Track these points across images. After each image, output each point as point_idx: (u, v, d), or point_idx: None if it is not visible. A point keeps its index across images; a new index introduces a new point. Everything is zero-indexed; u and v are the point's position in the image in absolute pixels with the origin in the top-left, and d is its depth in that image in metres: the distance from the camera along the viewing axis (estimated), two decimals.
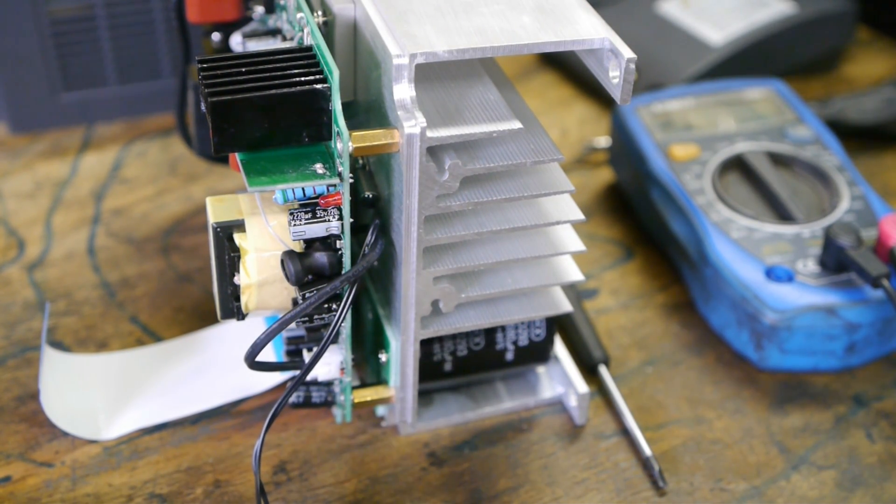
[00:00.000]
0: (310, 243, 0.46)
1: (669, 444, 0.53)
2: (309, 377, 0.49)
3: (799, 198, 0.61)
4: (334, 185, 0.44)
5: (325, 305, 0.46)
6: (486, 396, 0.54)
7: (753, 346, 0.56)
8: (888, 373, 0.57)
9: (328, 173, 0.44)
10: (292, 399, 0.50)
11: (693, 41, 0.76)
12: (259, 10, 0.55)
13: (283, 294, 0.47)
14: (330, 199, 0.44)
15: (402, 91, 0.43)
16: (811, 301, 0.55)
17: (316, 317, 0.46)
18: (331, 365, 0.49)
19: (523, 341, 0.53)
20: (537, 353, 0.53)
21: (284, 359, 0.50)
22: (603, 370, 0.56)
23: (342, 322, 0.46)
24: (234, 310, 0.48)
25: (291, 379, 0.51)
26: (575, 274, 0.50)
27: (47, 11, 0.69)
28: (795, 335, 0.55)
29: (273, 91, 0.43)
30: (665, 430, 0.54)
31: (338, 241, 0.46)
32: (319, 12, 0.47)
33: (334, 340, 0.48)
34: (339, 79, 0.43)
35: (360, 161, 0.49)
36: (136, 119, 0.74)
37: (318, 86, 0.43)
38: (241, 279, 0.47)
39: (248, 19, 0.55)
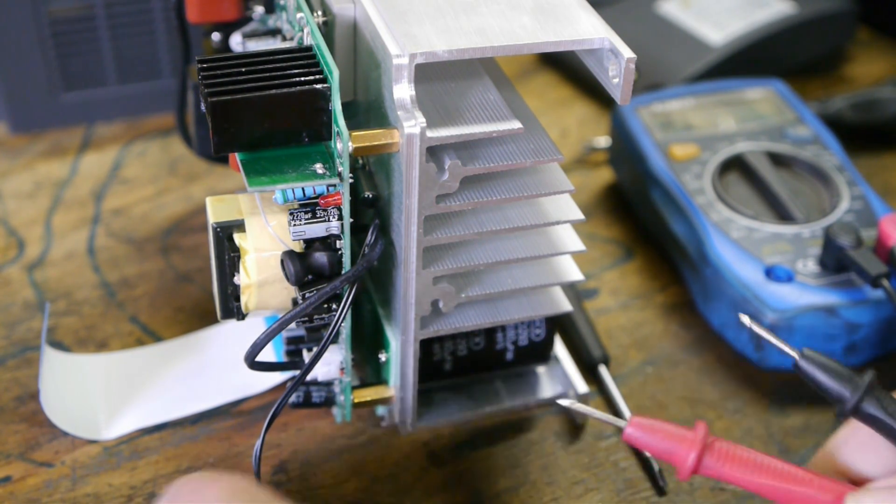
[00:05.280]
0: (310, 243, 0.46)
1: None
2: (309, 377, 0.49)
3: (799, 198, 0.61)
4: (334, 185, 0.44)
5: (325, 305, 0.46)
6: (486, 396, 0.54)
7: (753, 346, 0.56)
8: (888, 373, 0.57)
9: (328, 173, 0.44)
10: (292, 399, 0.50)
11: (693, 41, 0.76)
12: (259, 10, 0.55)
13: (283, 294, 0.47)
14: (330, 199, 0.44)
15: (402, 91, 0.43)
16: (811, 301, 0.55)
17: (316, 317, 0.46)
18: (331, 365, 0.49)
19: (523, 341, 0.53)
20: (537, 353, 0.53)
21: (284, 359, 0.50)
22: (603, 370, 0.56)
23: (342, 322, 0.46)
24: (234, 310, 0.48)
25: (291, 379, 0.51)
26: (575, 274, 0.50)
27: (47, 11, 0.69)
28: (795, 335, 0.55)
29: (273, 91, 0.43)
30: None
31: (338, 241, 0.46)
32: (319, 12, 0.47)
33: (334, 340, 0.48)
34: (339, 79, 0.43)
35: (360, 161, 0.49)
36: (136, 119, 0.74)
37: (318, 86, 0.43)
38: (241, 279, 0.47)
39: (248, 19, 0.55)
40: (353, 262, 0.46)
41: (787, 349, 0.43)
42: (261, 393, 0.55)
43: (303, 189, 0.44)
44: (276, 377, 0.55)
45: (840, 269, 0.56)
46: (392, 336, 0.49)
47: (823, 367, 0.43)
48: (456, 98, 0.46)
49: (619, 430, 0.43)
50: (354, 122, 0.49)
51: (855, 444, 0.43)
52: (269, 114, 0.43)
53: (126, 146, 0.72)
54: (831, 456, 0.44)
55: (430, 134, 0.43)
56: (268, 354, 0.54)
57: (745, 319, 0.44)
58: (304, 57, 0.45)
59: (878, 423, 0.42)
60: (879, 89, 0.73)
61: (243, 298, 0.47)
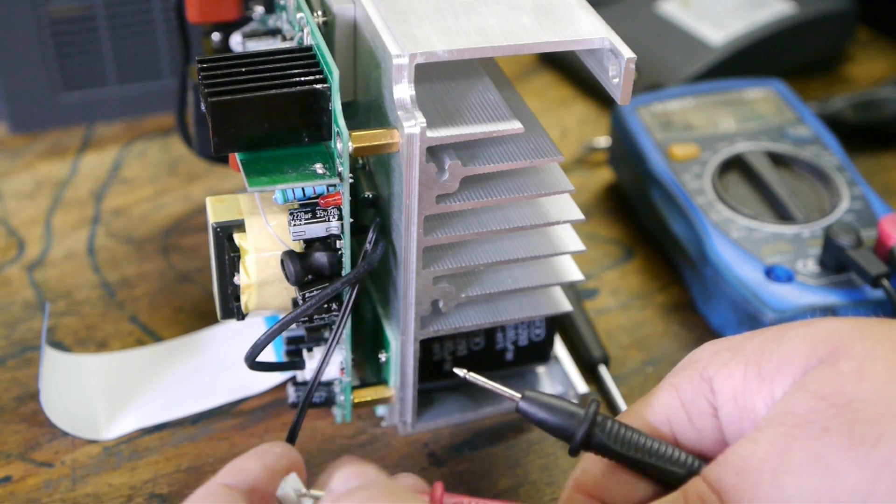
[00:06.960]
0: (310, 243, 0.46)
1: None
2: (308, 377, 0.49)
3: (799, 198, 0.61)
4: (334, 185, 0.44)
5: (326, 306, 0.46)
6: (486, 396, 0.54)
7: None
8: None
9: (328, 173, 0.44)
10: (292, 399, 0.50)
11: (693, 41, 0.76)
12: (259, 10, 0.55)
13: (283, 294, 0.47)
14: (330, 199, 0.44)
15: (402, 91, 0.43)
16: (811, 301, 0.55)
17: (316, 317, 0.46)
18: (331, 365, 0.49)
19: (523, 341, 0.53)
20: (537, 353, 0.53)
21: (284, 359, 0.50)
22: (603, 370, 0.56)
23: (345, 324, 0.46)
24: (234, 310, 0.48)
25: (291, 379, 0.51)
26: (575, 274, 0.50)
27: (47, 11, 0.69)
28: None
29: (273, 91, 0.43)
30: None
31: (338, 241, 0.46)
32: (319, 12, 0.47)
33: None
34: (339, 79, 0.43)
35: (360, 161, 0.49)
36: (136, 119, 0.74)
37: (318, 86, 0.43)
38: (241, 279, 0.46)
39: (248, 19, 0.55)
40: (354, 262, 0.46)
41: (507, 393, 0.42)
42: (261, 393, 0.55)
43: (303, 189, 0.44)
44: (276, 377, 0.55)
45: (840, 269, 0.56)
46: (392, 336, 0.49)
47: (546, 406, 0.41)
48: (456, 98, 0.46)
49: None
50: (354, 122, 0.49)
51: (596, 476, 0.41)
52: (269, 114, 0.43)
53: (126, 146, 0.72)
54: (578, 492, 0.41)
55: (430, 134, 0.43)
56: (268, 354, 0.54)
57: (460, 371, 0.43)
58: (304, 57, 0.45)
59: (610, 452, 0.40)
60: (879, 89, 0.73)
61: (243, 298, 0.47)
